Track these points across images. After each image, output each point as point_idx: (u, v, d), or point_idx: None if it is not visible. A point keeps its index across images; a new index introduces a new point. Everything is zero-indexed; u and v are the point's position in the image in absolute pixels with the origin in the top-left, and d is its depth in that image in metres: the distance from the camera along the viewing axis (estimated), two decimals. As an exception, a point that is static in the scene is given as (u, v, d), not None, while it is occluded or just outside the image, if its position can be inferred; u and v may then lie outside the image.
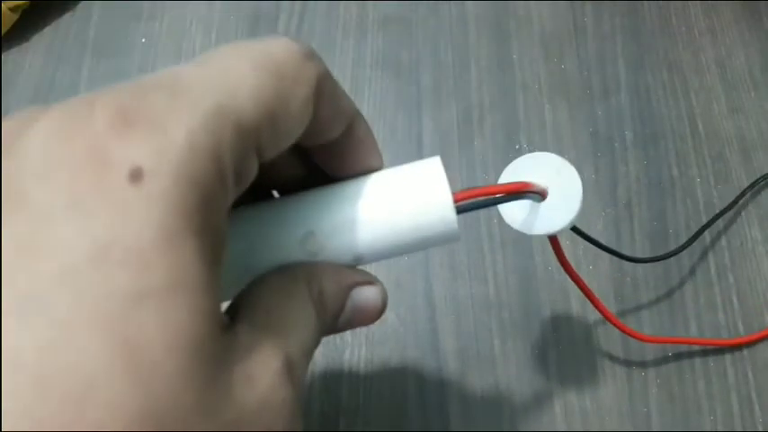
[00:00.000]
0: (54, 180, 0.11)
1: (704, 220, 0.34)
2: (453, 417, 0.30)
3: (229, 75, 0.13)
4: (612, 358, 0.32)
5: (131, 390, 0.10)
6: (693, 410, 0.31)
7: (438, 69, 0.38)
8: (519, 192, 0.19)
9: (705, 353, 0.32)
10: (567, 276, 0.25)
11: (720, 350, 0.32)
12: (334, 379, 0.31)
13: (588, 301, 0.27)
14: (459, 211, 0.17)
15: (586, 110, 0.37)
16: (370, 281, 0.18)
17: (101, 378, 0.10)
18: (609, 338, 0.32)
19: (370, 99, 0.38)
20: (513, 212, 0.21)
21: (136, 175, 0.11)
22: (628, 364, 0.31)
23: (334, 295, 0.17)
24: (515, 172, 0.21)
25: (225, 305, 0.16)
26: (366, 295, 0.18)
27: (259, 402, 0.13)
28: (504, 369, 0.31)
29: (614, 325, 0.28)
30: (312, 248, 0.17)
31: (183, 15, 0.40)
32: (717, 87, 0.38)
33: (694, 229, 0.33)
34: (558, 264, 0.24)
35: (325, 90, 0.15)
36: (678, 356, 0.32)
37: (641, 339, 0.29)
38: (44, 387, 0.10)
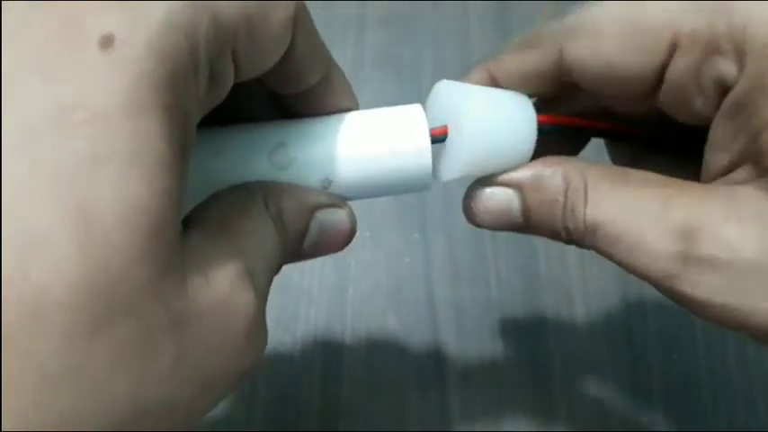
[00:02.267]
0: (23, 43, 0.11)
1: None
2: (454, 417, 0.30)
3: None
4: (616, 358, 0.31)
5: (78, 255, 0.10)
6: (697, 409, 0.30)
7: (439, 67, 0.38)
8: None
9: (710, 353, 0.31)
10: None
11: (722, 350, 0.31)
12: (334, 379, 0.31)
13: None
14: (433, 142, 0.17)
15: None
16: (337, 203, 0.18)
17: (48, 239, 0.10)
18: (612, 339, 0.32)
19: (370, 98, 0.37)
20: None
21: (106, 42, 0.11)
22: (632, 363, 0.31)
23: (295, 214, 0.17)
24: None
25: None
26: (332, 217, 0.17)
27: (216, 300, 0.13)
28: (506, 370, 0.31)
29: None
30: (281, 160, 0.17)
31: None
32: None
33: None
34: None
35: (303, 22, 0.15)
36: (683, 356, 0.31)
37: None
38: None
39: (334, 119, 0.18)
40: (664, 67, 0.16)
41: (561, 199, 0.17)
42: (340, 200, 0.18)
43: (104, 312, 0.10)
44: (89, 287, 0.10)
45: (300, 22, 0.15)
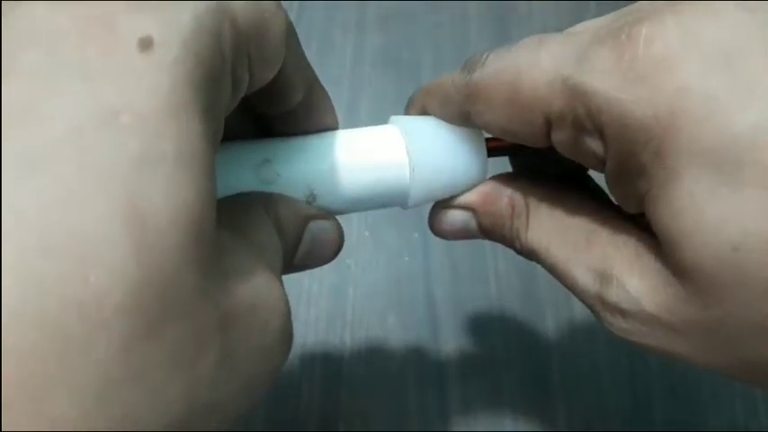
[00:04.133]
0: (59, 47, 0.11)
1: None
2: (454, 417, 0.30)
3: None
4: (616, 358, 0.31)
5: (135, 258, 0.10)
6: (697, 409, 0.30)
7: (439, 67, 0.38)
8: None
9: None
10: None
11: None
12: (334, 380, 0.31)
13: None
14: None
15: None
16: (326, 216, 0.18)
17: (105, 242, 0.10)
18: (612, 339, 0.32)
19: (369, 98, 0.37)
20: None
21: (146, 44, 0.11)
22: (632, 363, 0.31)
23: (291, 223, 0.17)
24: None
25: None
26: (323, 227, 0.18)
27: (254, 298, 0.13)
28: (506, 370, 0.31)
29: None
30: (267, 176, 0.17)
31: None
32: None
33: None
34: None
35: (292, 38, 0.15)
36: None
37: None
38: (47, 245, 0.09)
39: (316, 137, 0.18)
40: (548, 134, 0.17)
41: (508, 222, 0.19)
42: (327, 213, 0.18)
43: (160, 315, 0.10)
44: (146, 290, 0.10)
45: (289, 37, 0.15)
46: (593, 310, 0.17)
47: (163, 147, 0.10)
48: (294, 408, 0.30)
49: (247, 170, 0.17)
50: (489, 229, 0.19)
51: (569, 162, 0.17)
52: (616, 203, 0.17)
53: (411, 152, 0.18)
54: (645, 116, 0.14)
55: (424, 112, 0.20)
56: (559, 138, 0.16)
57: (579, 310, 0.32)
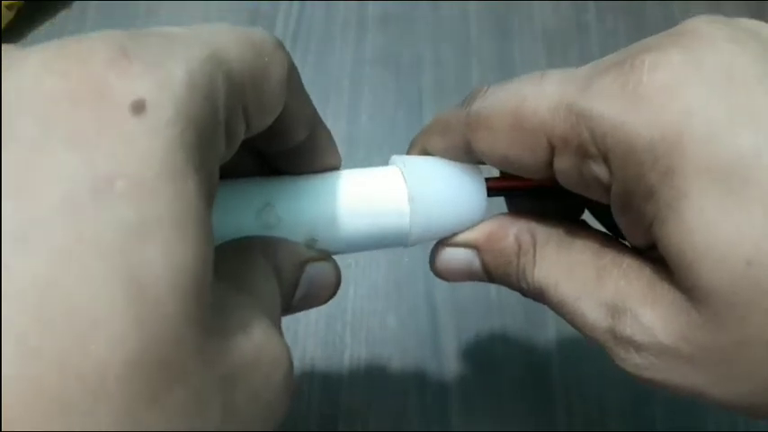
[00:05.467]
0: (50, 113, 0.10)
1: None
2: (454, 418, 0.30)
3: (216, 37, 0.13)
4: (615, 360, 0.31)
5: (134, 327, 0.10)
6: (697, 409, 0.30)
7: (439, 67, 0.38)
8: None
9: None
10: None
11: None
12: (334, 380, 0.31)
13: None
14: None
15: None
16: (324, 257, 0.18)
17: (104, 313, 0.10)
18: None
19: (370, 98, 0.37)
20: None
21: (138, 107, 0.11)
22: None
23: (289, 268, 0.17)
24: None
25: None
26: (321, 270, 0.18)
27: (256, 352, 0.13)
28: (506, 370, 0.31)
29: None
30: (269, 220, 0.17)
31: (181, 15, 0.40)
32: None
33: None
34: None
35: (293, 80, 0.15)
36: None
37: None
38: (45, 319, 0.09)
39: (319, 178, 0.18)
40: (550, 163, 0.17)
41: (514, 260, 0.18)
42: (327, 254, 0.18)
43: (161, 381, 0.10)
44: (146, 358, 0.10)
45: (291, 79, 0.15)
46: (605, 347, 0.17)
47: (159, 211, 0.10)
48: (294, 408, 0.30)
49: (248, 214, 0.17)
50: (493, 269, 0.19)
51: (566, 201, 0.17)
52: (622, 239, 0.17)
53: (412, 195, 0.18)
54: (651, 137, 0.14)
55: (424, 152, 0.20)
56: (563, 165, 0.16)
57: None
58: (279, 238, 0.17)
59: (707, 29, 0.15)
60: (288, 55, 0.15)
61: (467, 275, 0.20)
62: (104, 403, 0.10)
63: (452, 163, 0.19)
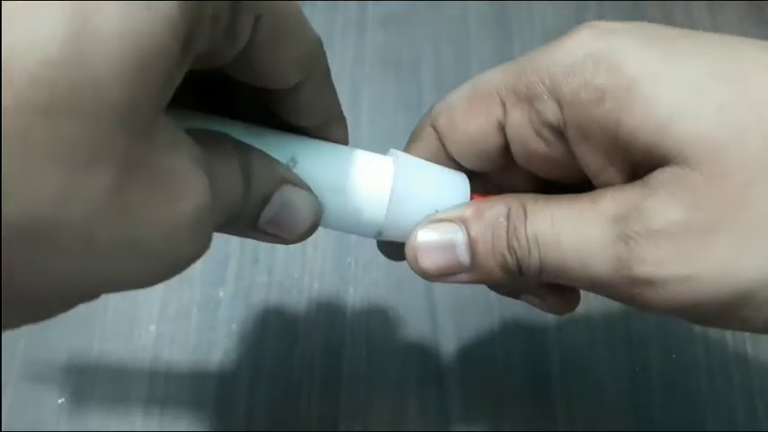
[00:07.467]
0: None
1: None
2: (454, 417, 0.30)
3: None
4: (616, 357, 0.31)
5: (64, 34, 0.10)
6: (697, 409, 0.30)
7: (439, 67, 0.38)
8: None
9: (709, 352, 0.31)
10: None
11: (721, 350, 0.31)
12: (334, 380, 0.31)
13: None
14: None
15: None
16: (303, 185, 0.17)
17: (40, 9, 0.10)
18: (612, 338, 0.32)
19: (369, 97, 0.37)
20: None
21: None
22: (631, 363, 0.31)
23: (262, 180, 0.16)
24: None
25: None
26: (298, 196, 0.17)
27: (173, 167, 0.12)
28: (506, 370, 0.31)
29: None
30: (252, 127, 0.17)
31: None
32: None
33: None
34: None
35: (317, 68, 0.16)
36: (682, 356, 0.31)
37: None
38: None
39: (314, 143, 0.19)
40: (503, 127, 0.18)
41: (504, 222, 0.18)
42: (309, 188, 0.18)
43: (67, 101, 0.10)
44: (68, 74, 0.10)
45: (313, 65, 0.16)
46: (614, 278, 0.16)
47: None
48: (294, 408, 0.30)
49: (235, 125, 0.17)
50: (482, 241, 0.18)
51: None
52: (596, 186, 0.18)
53: (395, 189, 0.18)
54: (587, 52, 0.16)
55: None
56: (514, 119, 0.18)
57: (580, 311, 0.32)
58: (260, 150, 0.17)
59: (603, 24, 0.17)
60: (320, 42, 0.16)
61: (448, 260, 0.19)
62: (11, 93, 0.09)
63: (442, 167, 0.20)
